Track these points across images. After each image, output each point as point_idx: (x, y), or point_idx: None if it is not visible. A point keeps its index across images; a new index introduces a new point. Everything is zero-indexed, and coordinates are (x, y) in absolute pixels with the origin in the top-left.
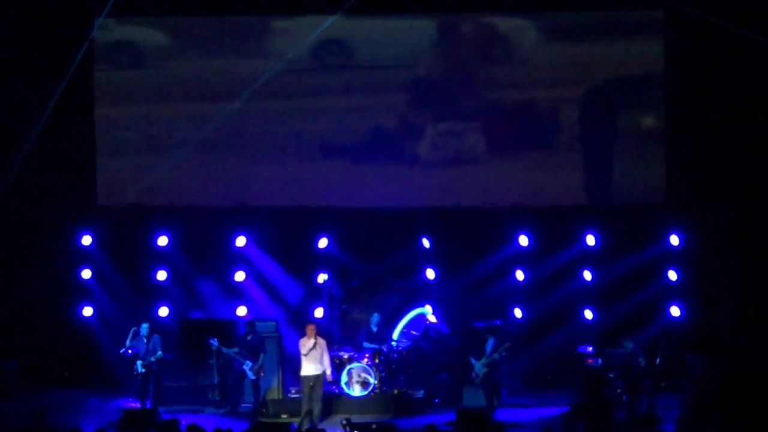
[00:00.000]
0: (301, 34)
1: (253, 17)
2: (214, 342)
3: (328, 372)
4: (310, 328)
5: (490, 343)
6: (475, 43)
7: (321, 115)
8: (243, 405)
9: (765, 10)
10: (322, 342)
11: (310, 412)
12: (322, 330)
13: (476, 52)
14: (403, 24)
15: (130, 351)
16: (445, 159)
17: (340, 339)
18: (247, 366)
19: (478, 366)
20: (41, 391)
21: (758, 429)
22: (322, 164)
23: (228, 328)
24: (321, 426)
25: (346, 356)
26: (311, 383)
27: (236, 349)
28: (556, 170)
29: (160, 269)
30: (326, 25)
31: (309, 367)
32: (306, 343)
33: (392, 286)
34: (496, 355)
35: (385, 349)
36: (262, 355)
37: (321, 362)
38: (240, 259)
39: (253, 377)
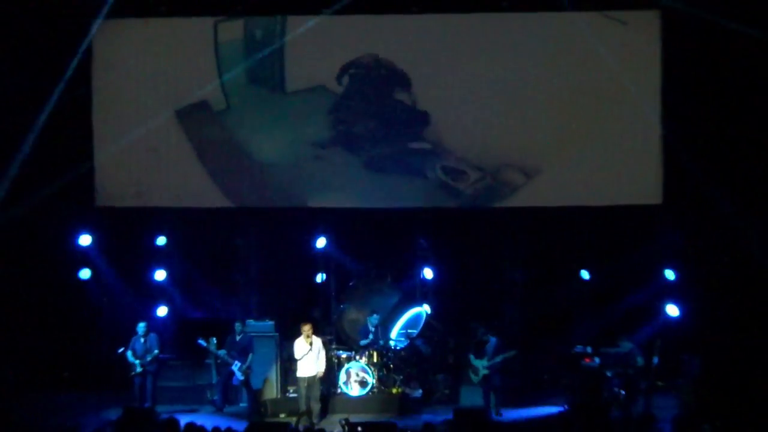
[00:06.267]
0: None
1: (248, 18)
2: (203, 343)
3: (322, 370)
4: (306, 328)
5: (492, 342)
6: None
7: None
8: (241, 405)
9: (762, 8)
10: (318, 341)
11: (305, 413)
12: (320, 329)
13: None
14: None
15: (129, 351)
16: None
17: (338, 339)
18: (236, 366)
19: (478, 365)
20: (40, 391)
21: (755, 429)
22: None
23: (226, 328)
24: (320, 426)
25: (344, 356)
26: (307, 384)
27: (224, 351)
28: (552, 169)
29: (159, 269)
30: None
31: (305, 368)
32: (301, 344)
33: (390, 286)
34: (498, 359)
35: (383, 349)
36: (251, 355)
37: (317, 362)
38: (238, 258)
39: (242, 377)
